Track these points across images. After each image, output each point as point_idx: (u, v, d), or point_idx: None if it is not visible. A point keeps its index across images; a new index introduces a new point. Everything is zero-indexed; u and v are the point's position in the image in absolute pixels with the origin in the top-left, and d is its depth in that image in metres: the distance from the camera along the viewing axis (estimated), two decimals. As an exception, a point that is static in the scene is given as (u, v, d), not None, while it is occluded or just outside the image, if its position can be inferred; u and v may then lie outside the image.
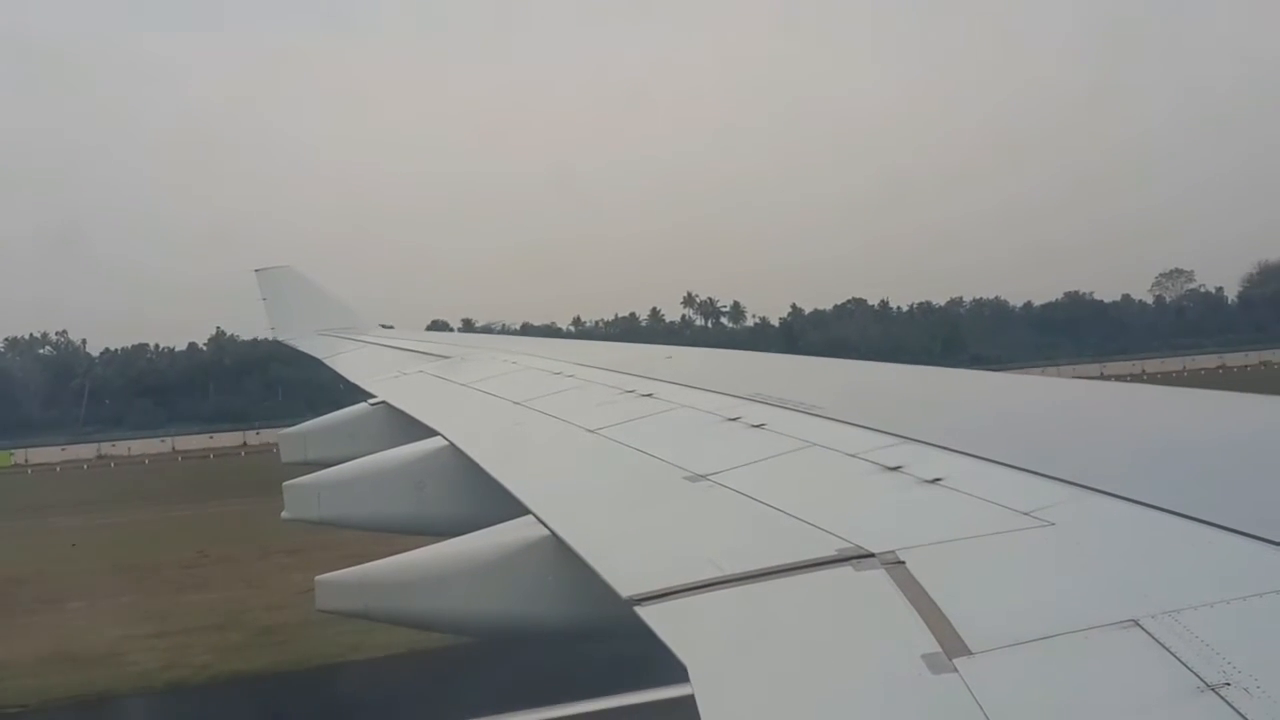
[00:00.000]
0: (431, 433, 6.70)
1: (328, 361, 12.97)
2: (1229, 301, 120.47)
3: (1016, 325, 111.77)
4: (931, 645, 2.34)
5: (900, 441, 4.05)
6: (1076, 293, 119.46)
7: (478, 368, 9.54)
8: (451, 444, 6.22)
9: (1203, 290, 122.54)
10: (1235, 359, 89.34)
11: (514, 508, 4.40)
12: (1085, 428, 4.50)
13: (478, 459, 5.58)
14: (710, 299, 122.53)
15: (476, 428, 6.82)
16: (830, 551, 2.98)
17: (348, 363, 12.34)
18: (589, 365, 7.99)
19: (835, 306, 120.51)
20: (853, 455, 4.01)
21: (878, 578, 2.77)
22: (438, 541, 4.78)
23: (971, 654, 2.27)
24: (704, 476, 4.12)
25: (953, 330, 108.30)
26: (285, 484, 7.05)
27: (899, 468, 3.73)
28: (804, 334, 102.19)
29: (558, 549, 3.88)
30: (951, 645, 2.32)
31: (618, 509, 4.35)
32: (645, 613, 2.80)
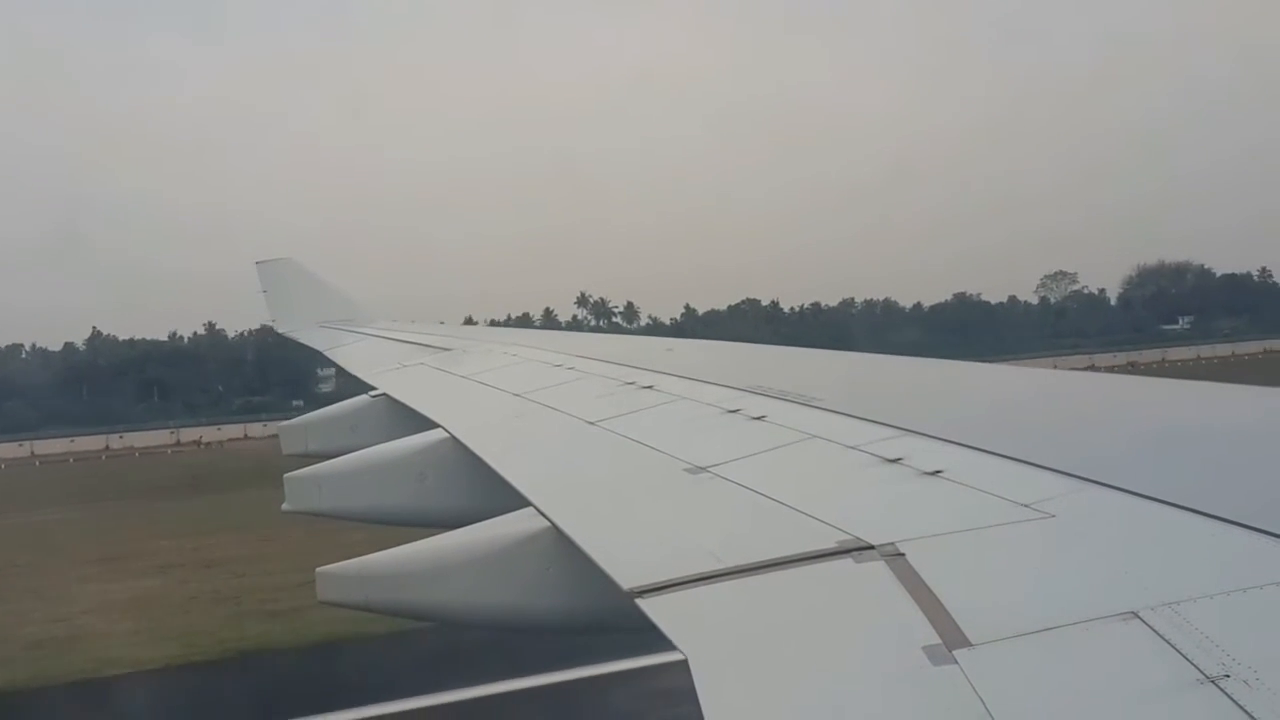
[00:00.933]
0: (432, 425, 6.71)
1: (328, 353, 12.97)
2: (1110, 303, 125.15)
3: (906, 326, 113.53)
4: (932, 637, 2.34)
5: (901, 434, 4.05)
6: (965, 294, 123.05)
7: (478, 360, 9.55)
8: (452, 436, 6.22)
9: (1085, 292, 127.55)
10: (1105, 359, 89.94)
11: (515, 499, 4.41)
12: (1086, 420, 4.51)
13: (478, 451, 5.58)
14: (603, 299, 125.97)
15: (477, 420, 6.83)
16: (830, 544, 2.99)
17: (348, 355, 12.34)
18: (589, 357, 7.99)
19: (730, 307, 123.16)
20: (853, 447, 4.01)
21: (878, 570, 2.78)
22: (438, 533, 4.79)
23: (972, 645, 2.28)
24: (704, 468, 4.13)
25: (842, 330, 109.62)
26: (286, 476, 7.07)
27: (899, 460, 3.73)
28: (695, 334, 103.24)
29: (558, 541, 3.89)
30: (952, 637, 2.33)
31: (618, 501, 4.35)
32: (646, 605, 2.80)
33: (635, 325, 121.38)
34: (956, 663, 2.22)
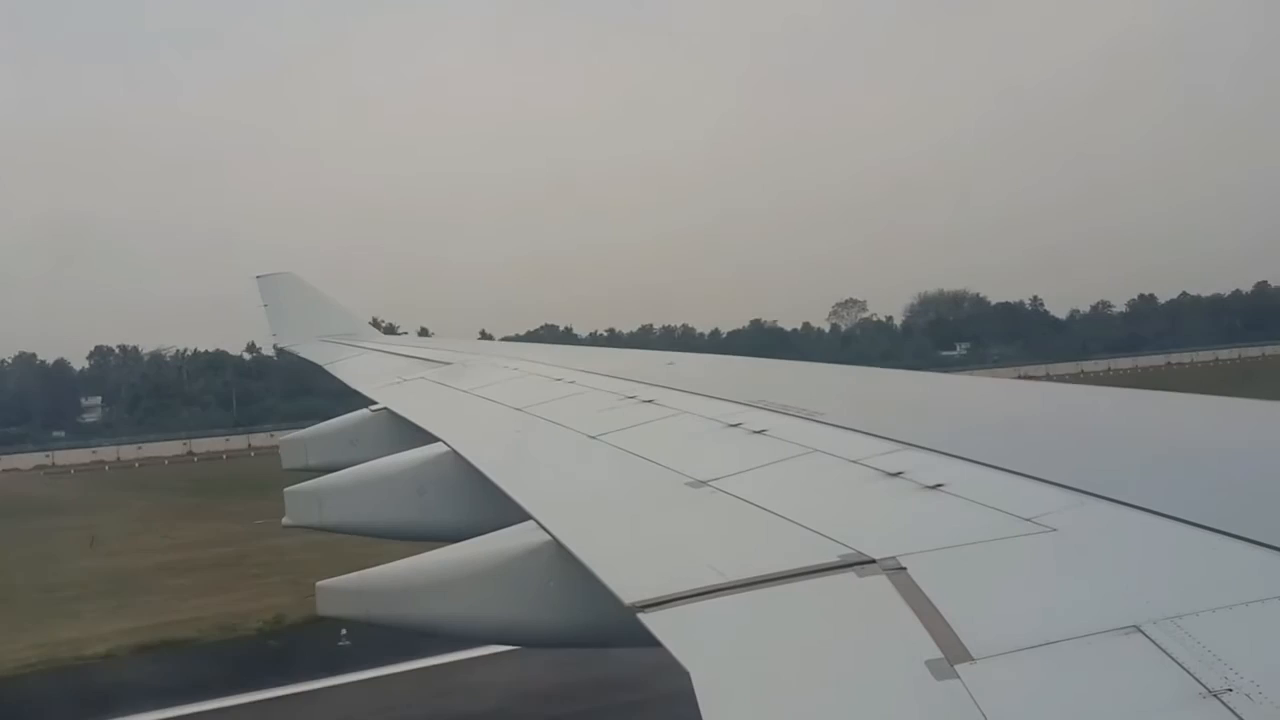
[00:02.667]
0: (433, 439, 6.71)
1: (328, 368, 12.96)
2: (896, 328, 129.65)
3: (701, 352, 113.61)
4: (934, 651, 2.34)
5: (902, 447, 4.05)
6: (760, 321, 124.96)
7: (479, 374, 9.55)
8: (453, 450, 6.22)
9: (874, 319, 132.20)
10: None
11: (516, 513, 4.40)
12: (1087, 433, 4.51)
13: (479, 465, 5.58)
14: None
15: (478, 433, 6.82)
16: (832, 558, 2.99)
17: (349, 369, 12.33)
18: (590, 371, 7.99)
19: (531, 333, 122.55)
20: (854, 461, 4.01)
21: (880, 584, 2.77)
22: (439, 547, 4.78)
23: (974, 660, 2.28)
24: (706, 483, 4.12)
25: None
26: (287, 490, 7.06)
27: (900, 473, 3.73)
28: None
29: (559, 555, 3.88)
30: (954, 651, 2.32)
31: (620, 515, 4.35)
32: (648, 619, 2.80)
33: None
34: (958, 677, 2.21)
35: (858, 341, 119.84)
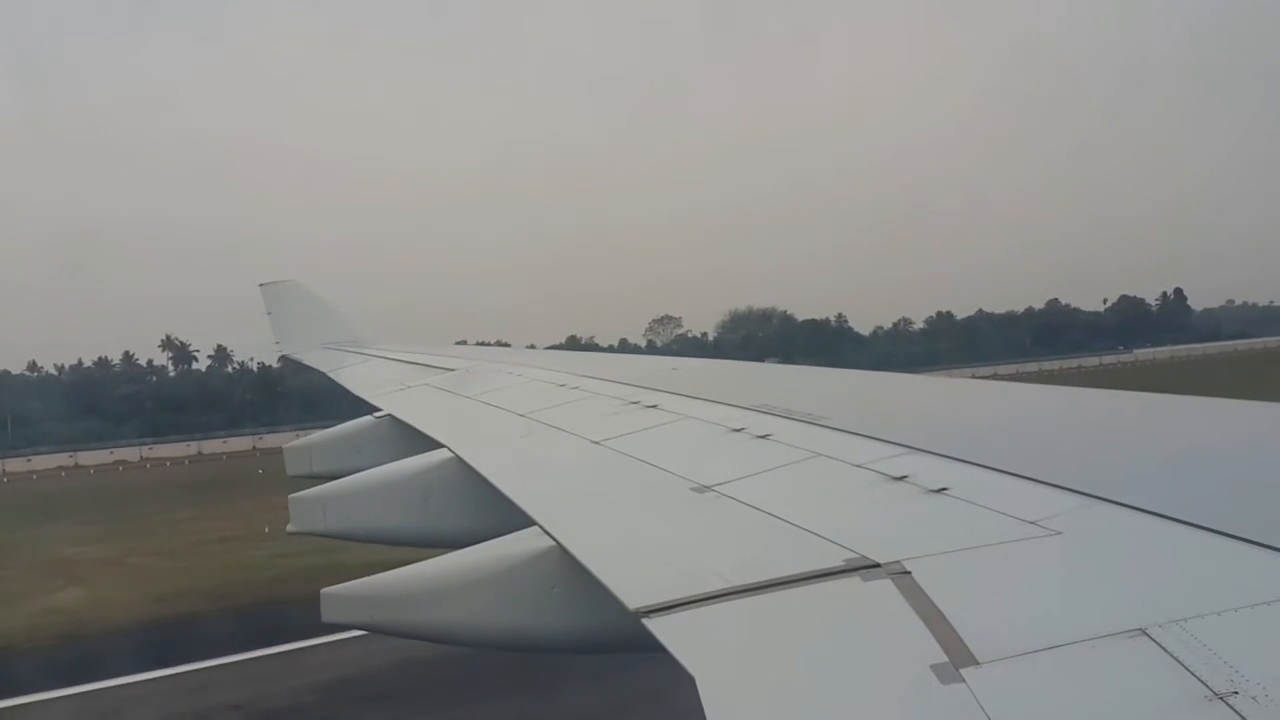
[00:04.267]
0: (437, 445, 6.71)
1: (332, 375, 12.98)
2: (710, 344, 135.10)
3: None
4: (939, 655, 2.34)
5: (906, 451, 4.05)
6: (575, 337, 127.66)
7: (483, 380, 9.55)
8: (457, 456, 6.22)
9: (690, 335, 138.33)
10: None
11: (520, 519, 4.40)
12: (1092, 436, 4.50)
13: (483, 471, 5.58)
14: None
15: (482, 440, 6.83)
16: (837, 562, 2.98)
17: (353, 376, 12.35)
18: (594, 377, 8.00)
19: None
20: (858, 465, 4.01)
21: (884, 588, 2.77)
22: (444, 553, 4.78)
23: (979, 664, 2.27)
24: (710, 487, 4.12)
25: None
26: (291, 497, 7.07)
27: (905, 477, 3.73)
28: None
29: (564, 560, 3.88)
30: (959, 655, 2.32)
31: (624, 520, 4.35)
32: (653, 625, 2.80)
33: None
34: (964, 681, 2.21)
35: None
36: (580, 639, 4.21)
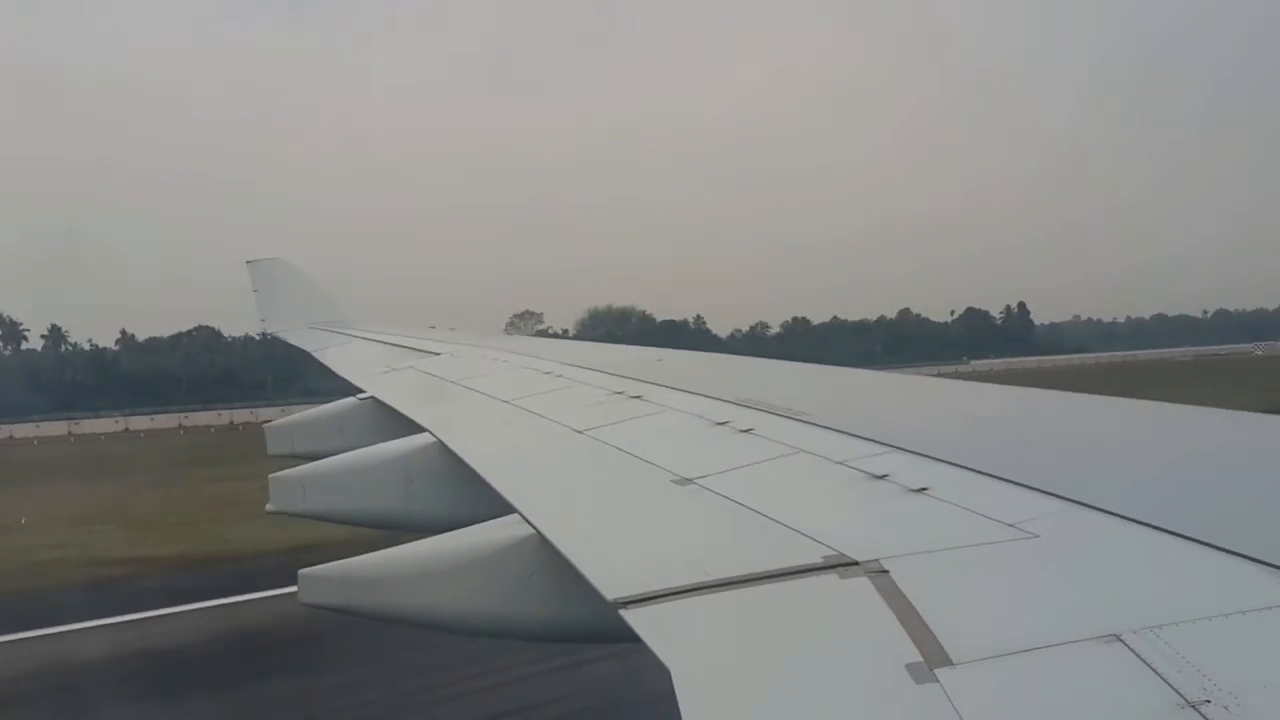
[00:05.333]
0: (419, 429, 6.70)
1: (317, 355, 12.92)
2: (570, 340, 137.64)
3: None
4: (914, 655, 2.35)
5: (887, 450, 4.06)
6: (434, 329, 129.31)
7: (467, 365, 9.53)
8: (439, 440, 6.21)
9: (550, 332, 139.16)
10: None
11: (500, 506, 4.40)
12: (1073, 440, 4.52)
13: (465, 456, 5.57)
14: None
15: (464, 425, 6.81)
16: (816, 558, 2.99)
17: (337, 356, 12.30)
18: (579, 366, 7.98)
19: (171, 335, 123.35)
20: (840, 462, 4.02)
21: (862, 586, 2.78)
22: (423, 538, 4.77)
23: (954, 665, 2.28)
24: (691, 480, 4.12)
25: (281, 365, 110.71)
26: (271, 476, 7.04)
27: (885, 476, 3.73)
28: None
29: (543, 549, 3.88)
30: (934, 655, 2.33)
31: (604, 510, 4.35)
32: (630, 615, 2.80)
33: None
34: (938, 681, 2.22)
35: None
36: (558, 628, 4.21)
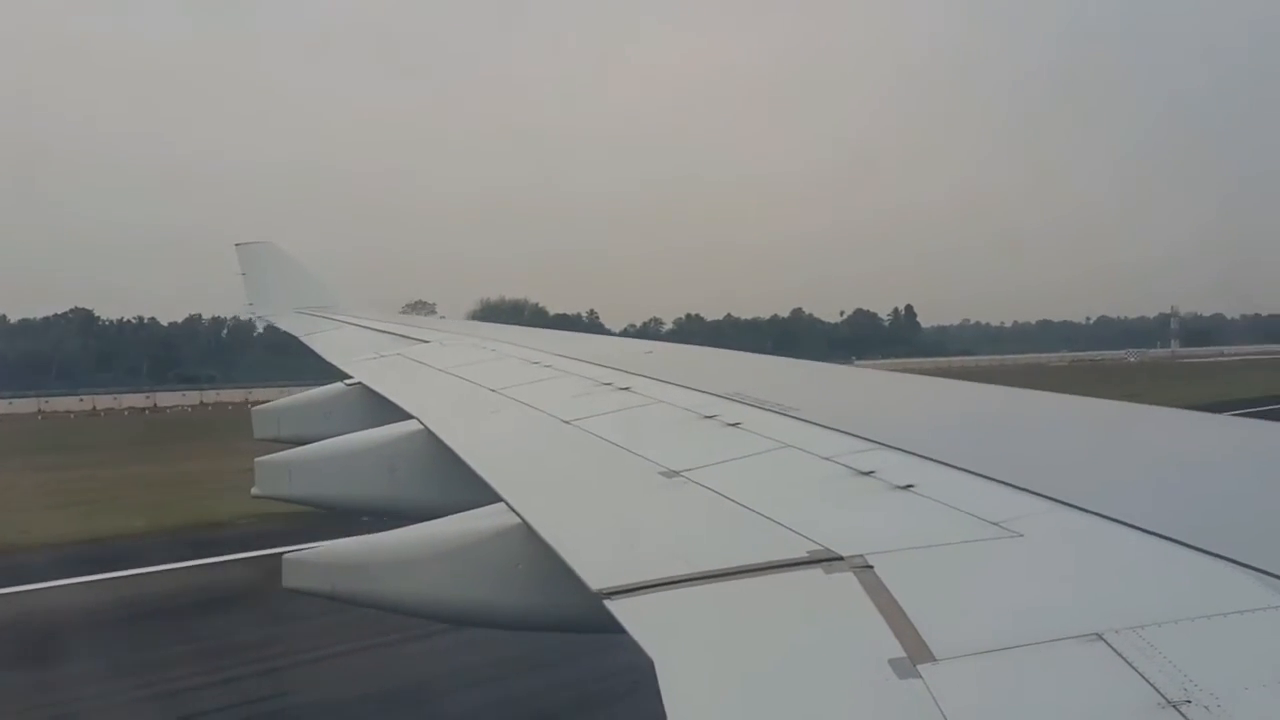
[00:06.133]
0: (407, 416, 6.69)
1: (305, 340, 12.89)
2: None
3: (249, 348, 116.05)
4: (897, 650, 2.35)
5: (874, 447, 4.07)
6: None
7: (456, 353, 9.52)
8: (426, 428, 6.20)
9: (443, 320, 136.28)
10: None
11: (486, 494, 4.40)
12: (1060, 441, 4.54)
13: (451, 444, 5.57)
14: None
15: (451, 413, 6.81)
16: (801, 553, 3.00)
17: (325, 342, 12.26)
18: (567, 356, 7.98)
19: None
20: (827, 458, 4.02)
21: (846, 581, 2.79)
22: (408, 525, 4.77)
23: (936, 660, 2.29)
24: (678, 473, 4.13)
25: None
26: (257, 460, 7.03)
27: (871, 472, 3.74)
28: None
29: (529, 538, 3.88)
30: (916, 651, 2.34)
31: (590, 501, 4.35)
32: (614, 606, 2.80)
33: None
34: (921, 677, 2.23)
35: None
36: (542, 617, 4.21)
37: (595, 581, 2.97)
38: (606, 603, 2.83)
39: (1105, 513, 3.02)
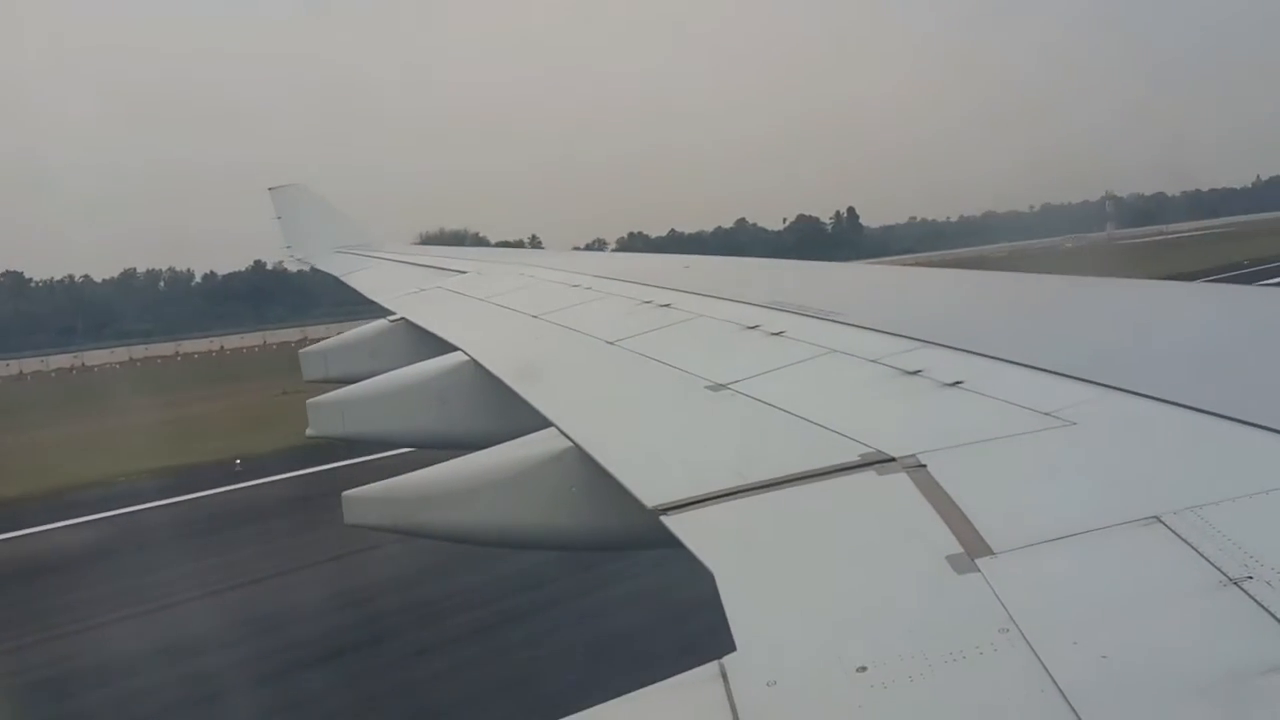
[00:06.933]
0: (452, 348, 6.74)
1: (346, 279, 12.98)
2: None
3: (193, 297, 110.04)
4: (954, 546, 2.36)
5: (920, 345, 4.04)
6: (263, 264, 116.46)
7: (494, 282, 9.54)
8: (472, 359, 6.25)
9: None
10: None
11: (536, 420, 4.43)
12: (1107, 326, 4.49)
13: (498, 373, 5.61)
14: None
15: (496, 342, 6.85)
16: (853, 457, 3.00)
17: (366, 279, 12.35)
18: (606, 277, 7.98)
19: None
20: (873, 360, 4.01)
21: (900, 481, 2.79)
22: (462, 455, 4.83)
23: (994, 554, 2.30)
24: (724, 385, 4.14)
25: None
26: (309, 401, 7.14)
27: (919, 371, 3.73)
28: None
29: (581, 460, 3.92)
30: (974, 546, 2.35)
31: (640, 420, 4.37)
32: (670, 522, 2.83)
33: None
34: (979, 571, 2.24)
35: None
36: (599, 537, 4.27)
37: (650, 499, 3.00)
38: (663, 519, 2.86)
39: (1157, 395, 2.99)
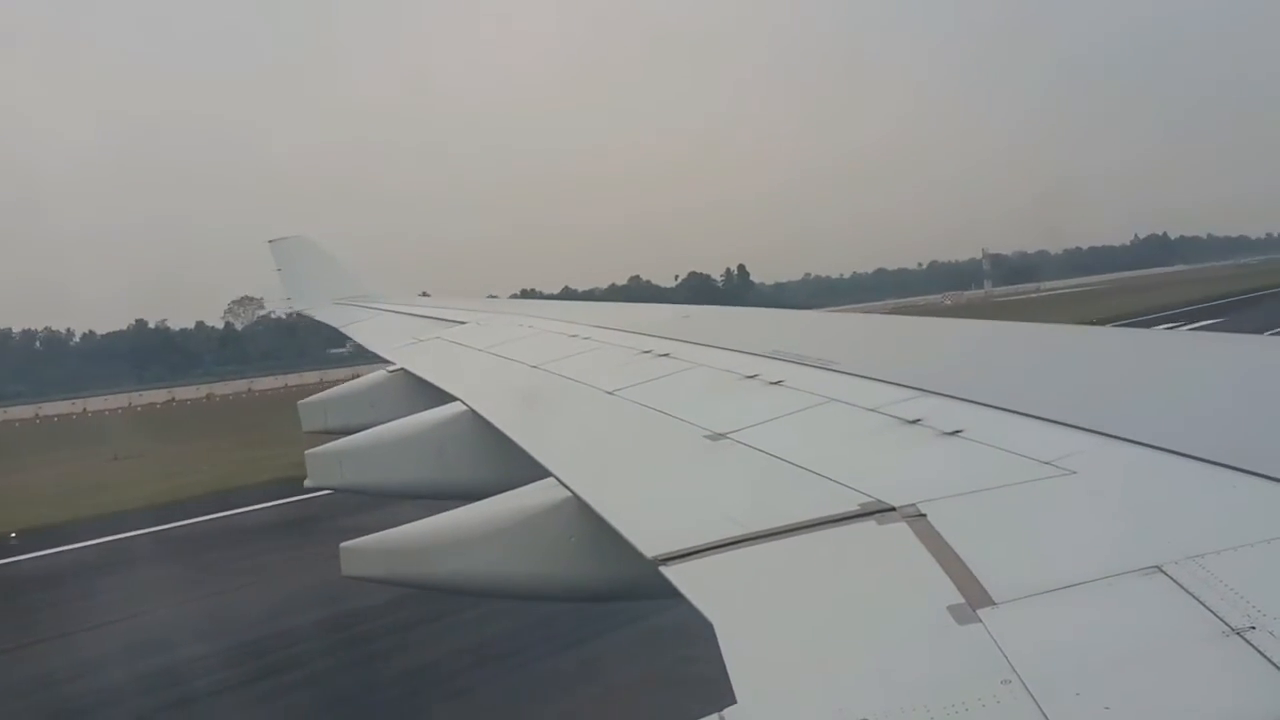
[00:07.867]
0: (451, 398, 6.74)
1: (345, 330, 13.00)
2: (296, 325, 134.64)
3: (70, 357, 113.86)
4: (955, 596, 2.35)
5: (919, 394, 4.05)
6: (144, 321, 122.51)
7: (493, 332, 9.56)
8: (470, 409, 6.25)
9: (273, 316, 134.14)
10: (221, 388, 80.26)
11: (535, 470, 4.43)
12: (1106, 374, 4.49)
13: (497, 423, 5.60)
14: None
15: (494, 392, 6.85)
16: (853, 506, 2.99)
17: (365, 330, 12.37)
18: (605, 327, 7.99)
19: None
20: (872, 409, 4.01)
21: (900, 531, 2.78)
22: (460, 506, 4.81)
23: (995, 604, 2.28)
24: (723, 435, 4.13)
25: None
26: (307, 453, 7.13)
27: (918, 420, 3.73)
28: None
29: (580, 511, 3.90)
30: (975, 596, 2.33)
31: (639, 469, 4.37)
32: (670, 572, 2.81)
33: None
34: (981, 621, 2.22)
35: (252, 339, 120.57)
36: (598, 587, 4.25)
37: (649, 549, 2.99)
38: (662, 569, 2.85)
39: (1159, 444, 2.99)
